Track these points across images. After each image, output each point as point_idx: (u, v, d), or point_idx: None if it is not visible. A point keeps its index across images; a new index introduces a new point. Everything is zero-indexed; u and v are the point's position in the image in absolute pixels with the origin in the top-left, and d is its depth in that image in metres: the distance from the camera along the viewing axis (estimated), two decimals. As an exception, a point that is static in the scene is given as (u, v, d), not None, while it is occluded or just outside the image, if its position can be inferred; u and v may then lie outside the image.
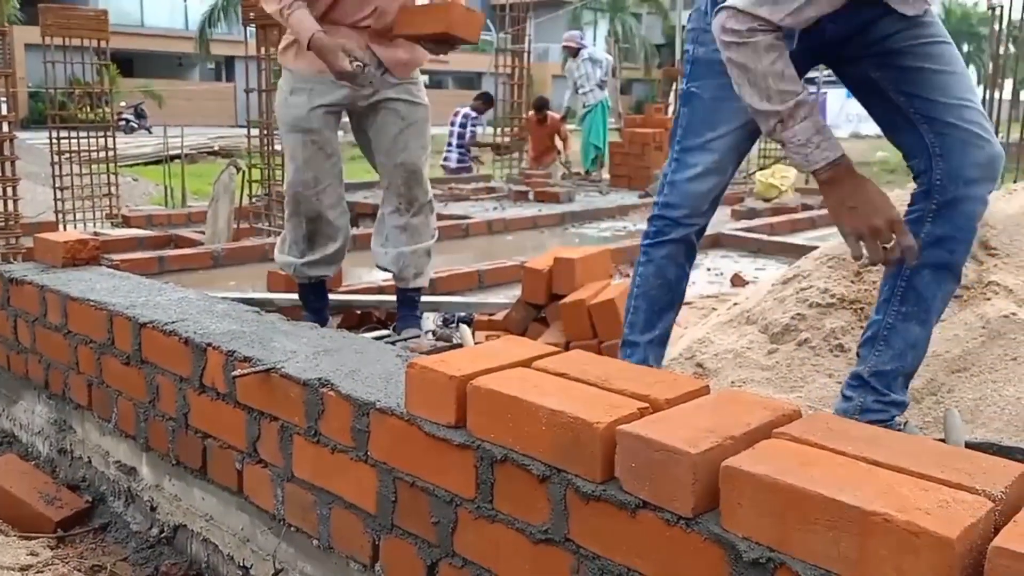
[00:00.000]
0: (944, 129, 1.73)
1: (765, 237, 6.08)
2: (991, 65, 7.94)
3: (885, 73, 1.81)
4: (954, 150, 1.72)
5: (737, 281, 4.67)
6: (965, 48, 61.46)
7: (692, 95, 1.94)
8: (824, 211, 7.63)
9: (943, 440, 1.66)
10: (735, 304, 2.59)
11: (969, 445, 1.63)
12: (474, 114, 11.62)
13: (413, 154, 3.07)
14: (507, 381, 1.36)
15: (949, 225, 1.73)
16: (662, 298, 2.01)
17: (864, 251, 1.61)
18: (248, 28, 6.10)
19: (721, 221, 7.55)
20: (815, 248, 4.37)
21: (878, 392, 1.78)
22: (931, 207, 1.74)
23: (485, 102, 11.82)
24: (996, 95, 7.73)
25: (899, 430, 1.77)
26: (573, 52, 11.59)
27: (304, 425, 1.65)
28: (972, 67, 60.26)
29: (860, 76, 1.88)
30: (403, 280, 3.23)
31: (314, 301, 3.32)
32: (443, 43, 2.88)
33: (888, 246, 1.61)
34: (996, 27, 7.61)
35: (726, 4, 1.65)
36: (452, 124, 11.63)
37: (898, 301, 1.78)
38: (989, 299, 2.12)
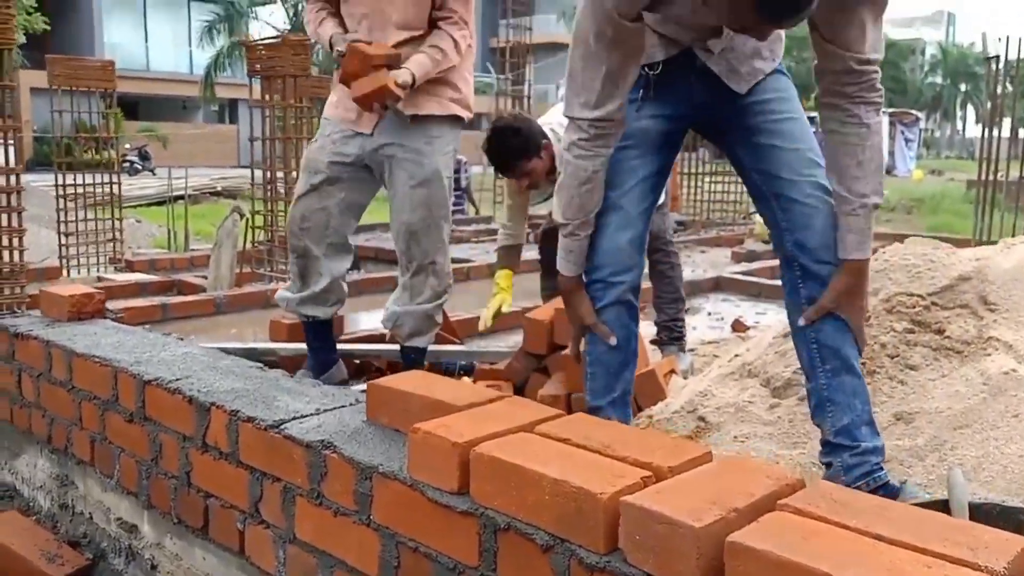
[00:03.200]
0: (788, 205, 1.89)
1: (765, 281, 6.09)
2: (989, 104, 8.03)
3: (743, 150, 2.00)
4: (797, 223, 1.88)
5: (738, 327, 4.67)
6: (963, 87, 62.20)
7: None
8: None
9: (946, 500, 1.66)
10: (736, 356, 2.59)
11: (972, 505, 1.63)
12: (464, 159, 11.49)
13: (413, 215, 3.08)
14: (510, 447, 1.36)
15: (818, 287, 1.86)
16: (614, 360, 2.06)
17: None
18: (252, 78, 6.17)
19: (721, 263, 7.57)
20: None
21: (849, 448, 1.83)
22: (795, 275, 1.90)
23: None
24: (995, 132, 7.81)
25: (897, 488, 1.78)
26: None
27: (307, 487, 1.66)
28: (970, 106, 60.98)
29: (729, 151, 2.08)
30: (398, 337, 3.27)
31: (313, 341, 3.33)
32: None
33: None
34: (993, 67, 7.70)
35: (564, 112, 1.93)
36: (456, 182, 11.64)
37: (819, 361, 1.88)
38: (989, 355, 2.13)
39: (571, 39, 1.85)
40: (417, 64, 2.94)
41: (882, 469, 1.81)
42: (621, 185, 2.01)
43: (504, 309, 3.50)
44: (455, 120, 3.11)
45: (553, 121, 3.57)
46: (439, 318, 3.29)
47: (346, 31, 3.07)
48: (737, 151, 2.03)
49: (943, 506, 1.64)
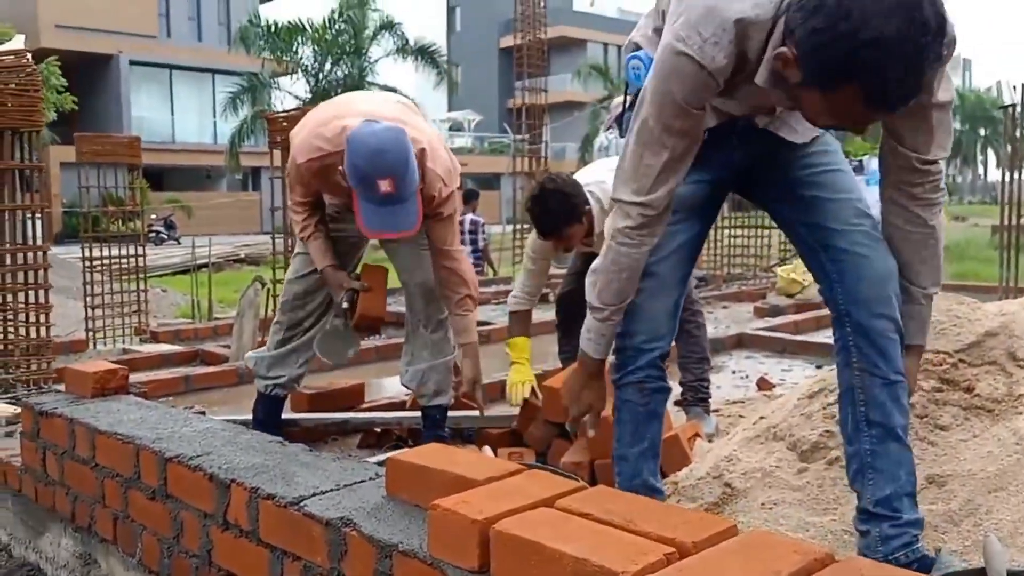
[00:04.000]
0: (838, 255, 1.87)
1: (789, 336, 6.03)
2: (1009, 147, 8.02)
3: (787, 204, 1.99)
4: (847, 273, 1.86)
5: (763, 385, 4.61)
6: (982, 132, 62.20)
7: None
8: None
9: (983, 569, 1.61)
10: (761, 418, 2.56)
11: (1011, 573, 1.58)
12: (481, 219, 11.42)
13: (426, 274, 3.16)
14: (530, 525, 1.34)
15: (872, 347, 1.83)
16: (642, 412, 2.07)
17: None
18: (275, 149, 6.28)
19: (744, 319, 7.51)
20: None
21: (890, 518, 1.78)
22: (847, 332, 1.86)
23: (474, 198, 11.40)
24: (1016, 176, 7.80)
25: (933, 559, 1.73)
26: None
27: (327, 566, 1.63)
28: (991, 150, 60.93)
29: (770, 207, 2.08)
30: (423, 396, 3.28)
31: (261, 411, 3.33)
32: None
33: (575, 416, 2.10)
34: (1012, 110, 7.70)
35: (613, 196, 1.90)
36: (461, 232, 11.36)
37: (866, 426, 1.82)
38: (1021, 413, 2.08)
39: (634, 130, 1.81)
40: (474, 330, 3.18)
41: (919, 541, 1.75)
42: (659, 251, 1.99)
43: (528, 395, 3.51)
44: None
45: (591, 182, 3.56)
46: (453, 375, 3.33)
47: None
48: (779, 207, 2.02)
49: (980, 575, 1.60)
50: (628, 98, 2.07)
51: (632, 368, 2.03)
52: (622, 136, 2.04)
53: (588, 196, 3.50)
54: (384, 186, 2.69)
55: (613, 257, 1.91)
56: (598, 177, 3.60)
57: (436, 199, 2.94)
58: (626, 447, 2.07)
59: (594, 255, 3.92)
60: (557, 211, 3.41)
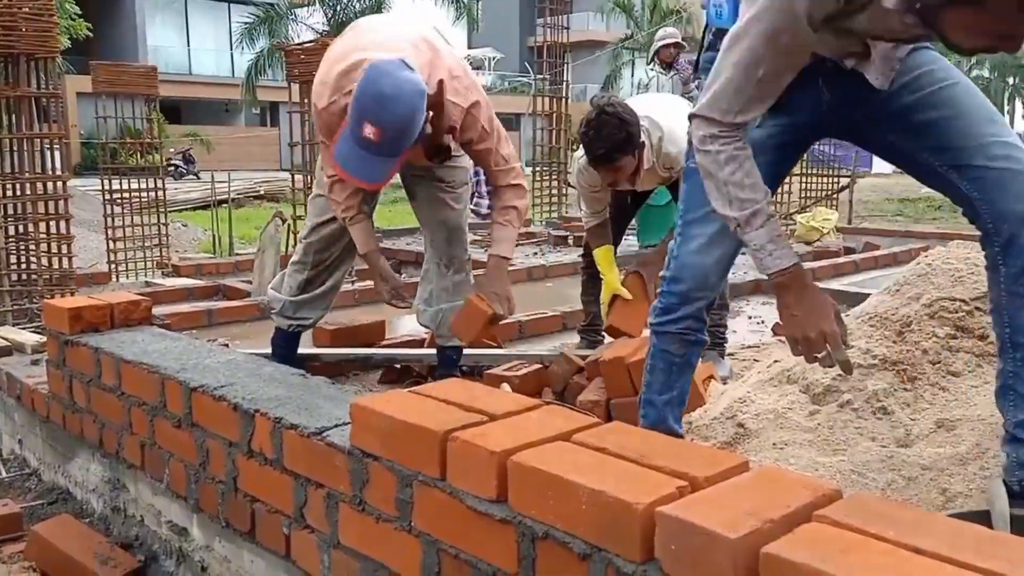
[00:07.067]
0: (976, 173, 1.74)
1: (807, 282, 6.02)
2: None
3: (902, 135, 1.85)
4: (991, 191, 1.73)
5: (779, 330, 4.62)
6: (1010, 80, 60.76)
7: (692, 171, 1.96)
8: (867, 254, 7.54)
9: (988, 511, 1.64)
10: (776, 361, 2.59)
11: (1014, 518, 1.61)
12: None
13: (455, 212, 3.13)
14: (547, 457, 1.38)
15: (1021, 259, 1.71)
16: (678, 364, 2.07)
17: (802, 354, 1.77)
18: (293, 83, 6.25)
19: (762, 264, 7.49)
20: (858, 294, 4.35)
21: None
22: (995, 251, 1.75)
23: None
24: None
25: None
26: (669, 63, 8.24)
27: (350, 493, 1.69)
28: (1019, 100, 59.60)
29: (880, 141, 1.94)
30: (441, 337, 3.28)
31: (282, 347, 3.36)
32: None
33: (819, 356, 1.74)
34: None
35: (693, 111, 1.79)
36: (478, 173, 11.30)
37: (1011, 347, 1.74)
38: (1034, 361, 2.10)
39: (729, 39, 1.70)
40: (508, 245, 2.97)
41: None
42: None
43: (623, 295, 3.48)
44: None
45: (643, 115, 3.35)
46: None
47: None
48: (892, 139, 1.88)
49: (985, 517, 1.63)
50: (709, 36, 1.98)
51: (676, 316, 2.02)
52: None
53: (643, 131, 3.33)
54: (368, 131, 2.52)
55: (724, 158, 1.74)
56: (649, 111, 3.44)
57: (458, 129, 2.80)
58: (655, 394, 2.08)
59: (627, 196, 3.88)
60: (613, 137, 3.22)
